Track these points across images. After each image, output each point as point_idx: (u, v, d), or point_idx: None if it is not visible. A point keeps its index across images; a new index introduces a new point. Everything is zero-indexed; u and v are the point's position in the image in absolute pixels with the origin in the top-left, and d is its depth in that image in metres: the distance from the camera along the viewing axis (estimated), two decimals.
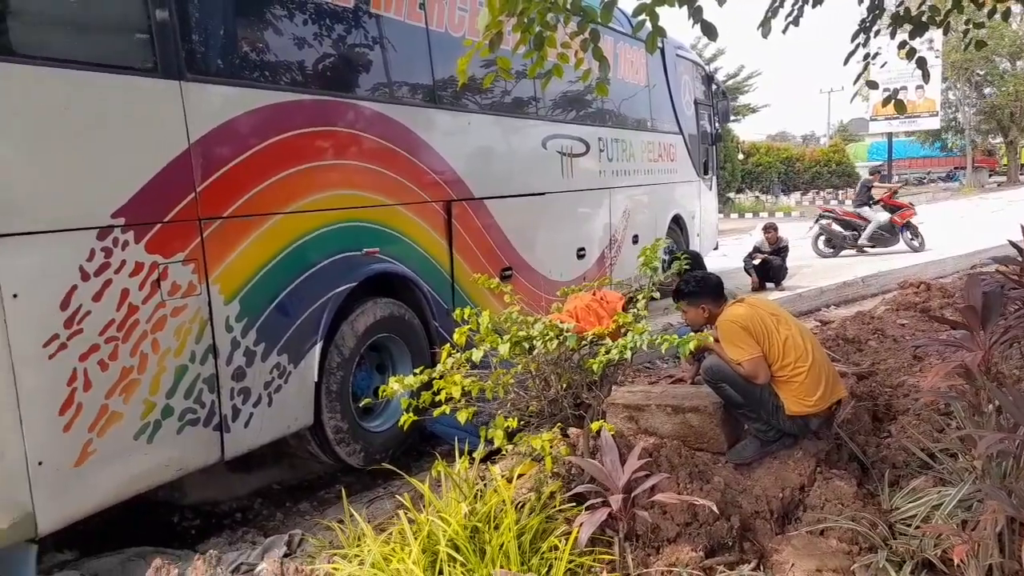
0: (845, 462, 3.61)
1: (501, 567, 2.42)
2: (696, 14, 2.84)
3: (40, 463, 2.82)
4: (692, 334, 2.96)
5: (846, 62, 4.72)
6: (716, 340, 3.51)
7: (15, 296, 2.70)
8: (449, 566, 2.45)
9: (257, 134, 3.70)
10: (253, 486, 4.57)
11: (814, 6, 4.34)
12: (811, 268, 11.84)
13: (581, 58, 3.09)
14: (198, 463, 3.50)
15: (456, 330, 3.14)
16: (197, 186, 3.37)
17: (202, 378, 3.44)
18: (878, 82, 5.05)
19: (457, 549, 2.54)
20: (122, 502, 3.21)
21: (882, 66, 5.25)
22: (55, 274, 2.86)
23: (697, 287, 3.73)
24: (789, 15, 4.43)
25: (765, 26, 3.97)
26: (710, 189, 11.24)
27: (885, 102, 4.56)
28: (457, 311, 3.20)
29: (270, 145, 3.76)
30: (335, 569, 2.58)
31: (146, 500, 3.63)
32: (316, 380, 4.10)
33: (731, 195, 30.62)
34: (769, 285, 10.14)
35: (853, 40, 4.66)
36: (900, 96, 4.43)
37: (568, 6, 2.85)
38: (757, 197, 32.66)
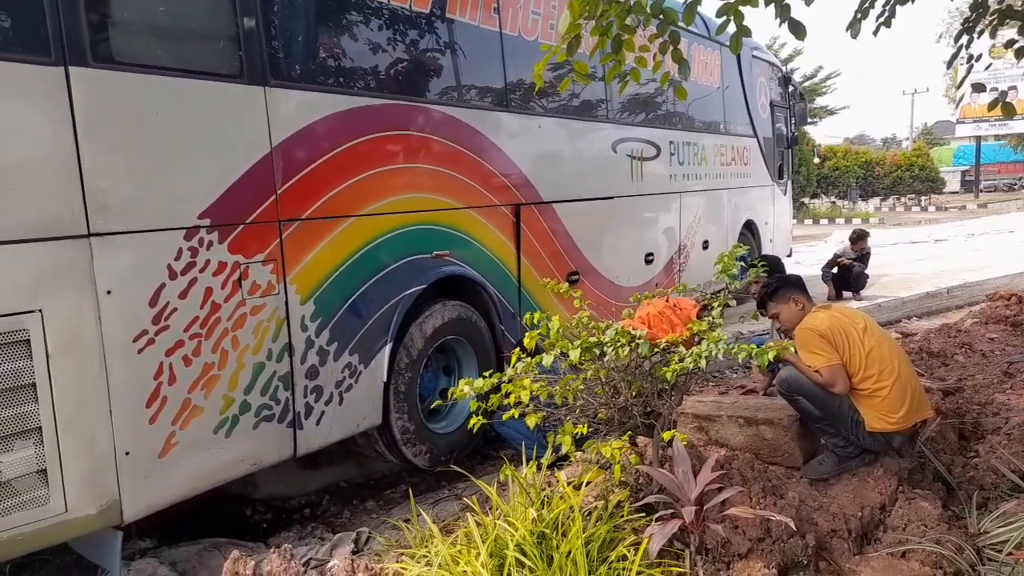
0: (929, 482, 3.46)
1: (569, 575, 2.40)
2: (783, 12, 2.76)
3: (127, 453, 2.95)
4: (771, 343, 2.87)
5: (950, 64, 4.50)
6: (794, 351, 3.41)
7: (108, 292, 2.84)
8: (517, 571, 2.44)
9: (335, 138, 3.79)
10: (321, 483, 4.68)
11: (903, 2, 4.14)
12: (891, 277, 11.37)
13: (660, 61, 3.05)
14: (272, 458, 3.60)
15: (526, 334, 3.13)
16: (278, 188, 3.48)
17: (278, 375, 3.54)
18: (979, 83, 4.77)
19: (524, 554, 2.53)
20: (199, 494, 3.32)
21: (987, 68, 4.99)
22: (145, 272, 2.99)
23: (780, 282, 3.68)
24: (880, 15, 4.22)
25: (854, 27, 3.80)
26: (784, 194, 10.93)
27: (992, 105, 4.31)
28: (527, 315, 3.19)
29: (347, 149, 3.85)
30: (403, 568, 2.61)
31: (220, 493, 3.76)
32: (385, 380, 4.16)
33: (805, 200, 29.74)
34: (847, 294, 9.77)
35: (956, 41, 4.45)
36: (998, 98, 4.20)
37: (648, 8, 2.81)
38: (833, 203, 31.64)
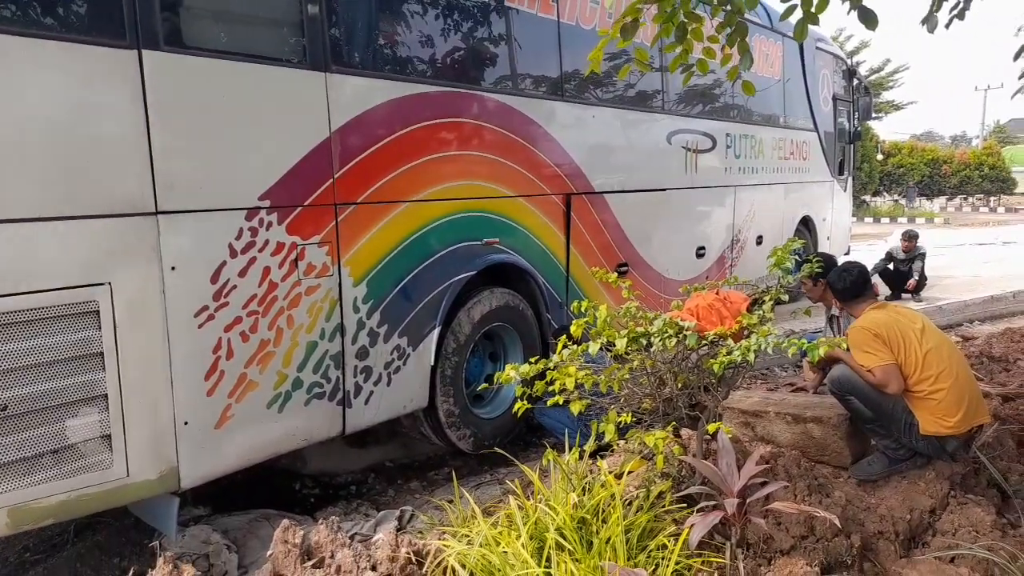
0: (983, 488, 3.36)
1: (608, 560, 2.42)
2: (854, 0, 2.65)
3: (186, 423, 3.08)
4: (822, 339, 2.82)
5: (1017, 57, 4.29)
6: (847, 349, 3.34)
7: (173, 268, 2.96)
8: (556, 553, 2.48)
9: (391, 124, 3.86)
10: (367, 462, 4.79)
11: None
12: (954, 279, 10.99)
13: (729, 53, 2.97)
14: (321, 435, 3.71)
15: (574, 322, 3.14)
16: (335, 172, 3.56)
17: (330, 354, 3.64)
18: None
19: (564, 538, 2.56)
20: (251, 466, 3.44)
21: None
22: (208, 250, 3.11)
23: (846, 286, 3.62)
24: (954, 8, 4.05)
25: (930, 21, 3.63)
26: (844, 190, 10.66)
27: None
28: (575, 304, 3.21)
29: (403, 135, 3.91)
30: (445, 546, 2.66)
31: (270, 466, 3.87)
32: (432, 364, 4.24)
33: (866, 198, 28.87)
34: (905, 296, 9.48)
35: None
36: None
37: None
38: (896, 201, 30.59)
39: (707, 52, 3.07)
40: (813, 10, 2.79)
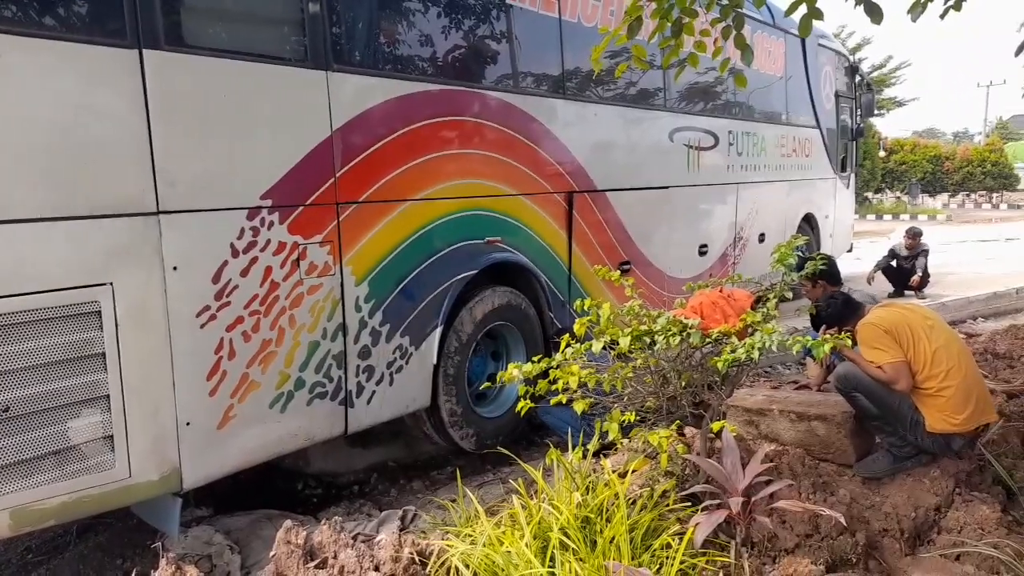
0: (988, 485, 3.34)
1: (612, 559, 2.41)
2: None
3: (188, 423, 3.07)
4: (827, 336, 2.81)
5: (1018, 52, 4.24)
6: (852, 346, 3.32)
7: (175, 268, 2.95)
8: (560, 553, 2.47)
9: (393, 122, 3.85)
10: (370, 461, 4.78)
11: None
12: (957, 276, 10.95)
13: (720, 47, 2.97)
14: (324, 435, 3.69)
15: (577, 320, 3.13)
16: (336, 171, 3.55)
17: (332, 354, 3.63)
18: None
19: (568, 537, 2.55)
20: (254, 466, 3.43)
21: None
22: (209, 250, 3.10)
23: (830, 313, 3.57)
24: None
25: (915, 10, 3.59)
26: (847, 187, 10.63)
27: None
28: (577, 302, 3.19)
29: (404, 133, 3.90)
30: (448, 545, 2.65)
31: (273, 466, 3.86)
32: (435, 363, 4.23)
33: (869, 195, 28.82)
34: (908, 293, 9.47)
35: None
36: None
37: None
38: (898, 198, 30.53)
39: (698, 46, 3.06)
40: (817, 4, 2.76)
